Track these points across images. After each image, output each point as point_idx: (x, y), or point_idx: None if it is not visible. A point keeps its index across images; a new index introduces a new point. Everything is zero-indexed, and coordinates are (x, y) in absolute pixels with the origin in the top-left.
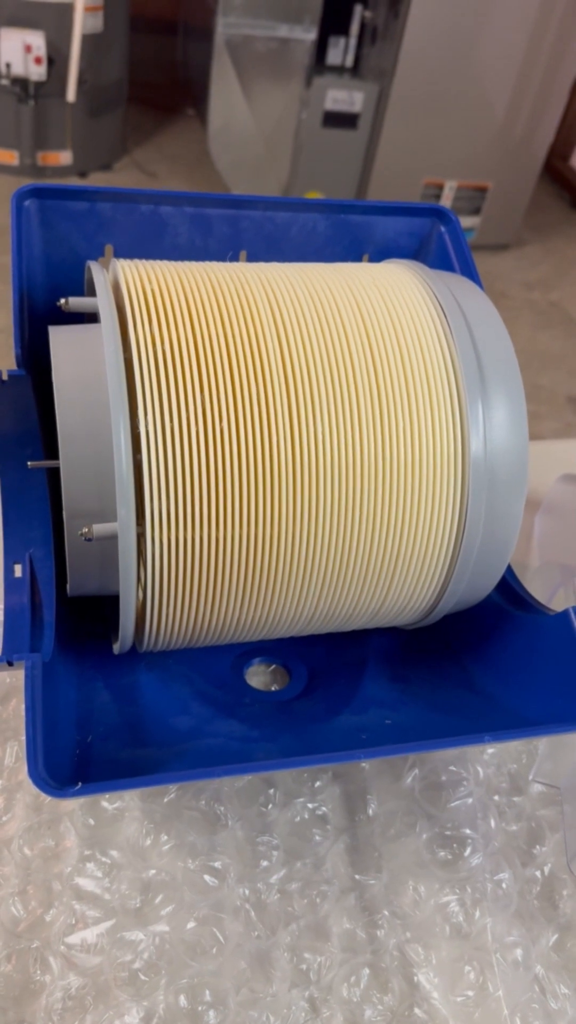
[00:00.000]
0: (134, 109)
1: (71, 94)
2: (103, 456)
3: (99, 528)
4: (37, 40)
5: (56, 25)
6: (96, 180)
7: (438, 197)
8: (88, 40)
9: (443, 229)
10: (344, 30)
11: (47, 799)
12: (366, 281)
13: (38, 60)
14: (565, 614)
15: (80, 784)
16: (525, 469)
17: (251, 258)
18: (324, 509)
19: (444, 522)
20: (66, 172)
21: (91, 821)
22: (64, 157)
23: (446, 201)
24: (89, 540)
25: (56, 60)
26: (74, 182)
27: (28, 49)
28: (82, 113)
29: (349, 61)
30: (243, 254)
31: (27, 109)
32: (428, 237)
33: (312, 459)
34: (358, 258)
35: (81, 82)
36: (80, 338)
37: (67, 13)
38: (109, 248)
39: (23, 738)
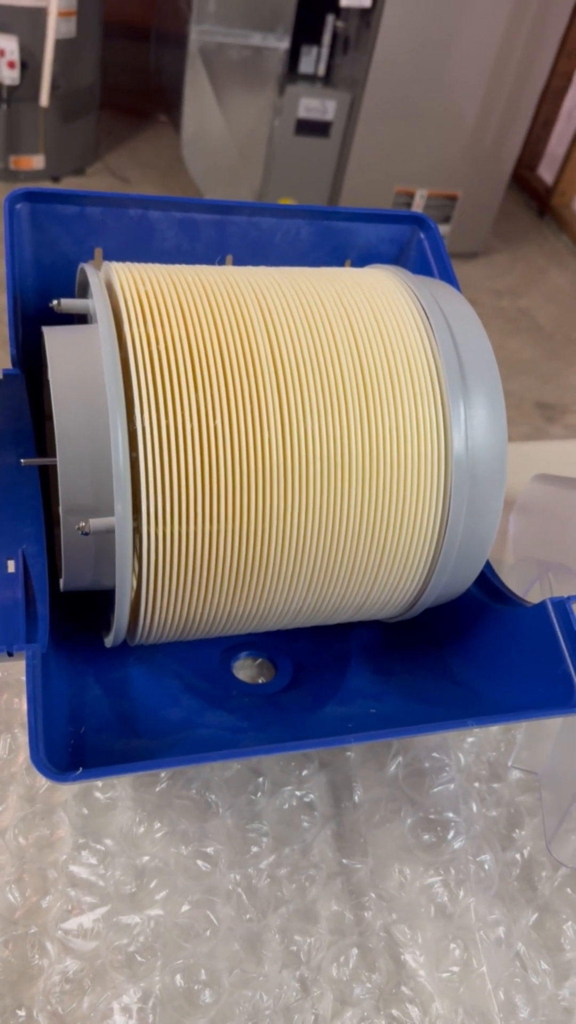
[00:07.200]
0: (106, 115)
1: (44, 99)
2: (99, 453)
3: (96, 523)
4: (11, 45)
5: (30, 30)
6: (68, 185)
7: (409, 205)
8: (61, 45)
9: (422, 236)
10: (317, 39)
11: (40, 790)
12: (351, 284)
13: (11, 64)
14: (543, 605)
15: (81, 769)
16: (504, 465)
17: (237, 263)
18: (313, 504)
19: (428, 517)
20: (39, 176)
21: (84, 811)
22: (37, 161)
23: (417, 209)
24: (85, 534)
25: (29, 65)
26: (47, 187)
27: (1, 53)
28: (55, 118)
29: (321, 70)
30: (229, 258)
31: (0, 113)
32: (408, 243)
33: (302, 455)
34: (340, 263)
35: (54, 87)
36: (75, 338)
37: (41, 18)
38: (99, 251)
39: (15, 731)
